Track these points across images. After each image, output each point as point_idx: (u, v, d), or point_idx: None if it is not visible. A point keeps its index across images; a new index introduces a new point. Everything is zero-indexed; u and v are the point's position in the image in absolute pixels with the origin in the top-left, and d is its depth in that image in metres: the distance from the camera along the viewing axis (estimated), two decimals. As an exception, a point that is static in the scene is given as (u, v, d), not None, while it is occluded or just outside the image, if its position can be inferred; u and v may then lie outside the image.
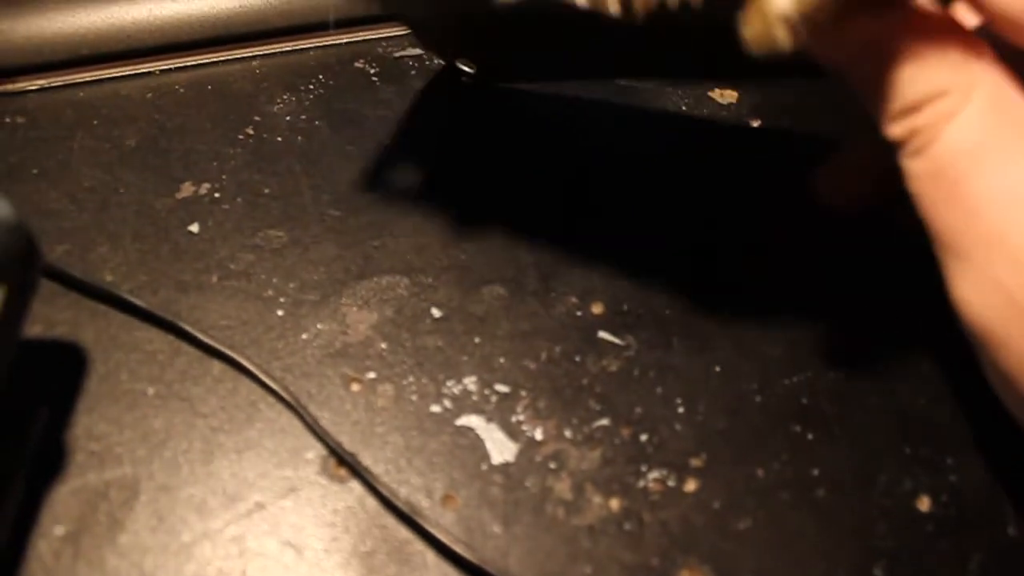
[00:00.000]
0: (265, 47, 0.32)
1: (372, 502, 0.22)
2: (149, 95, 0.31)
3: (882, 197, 0.25)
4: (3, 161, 0.29)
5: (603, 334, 0.25)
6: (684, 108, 0.32)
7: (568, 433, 0.24)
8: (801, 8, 0.17)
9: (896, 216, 0.24)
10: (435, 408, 0.24)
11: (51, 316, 0.25)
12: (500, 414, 0.24)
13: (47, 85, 0.31)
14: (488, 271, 0.27)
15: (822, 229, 0.27)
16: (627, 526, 0.22)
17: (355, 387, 0.24)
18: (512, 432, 0.23)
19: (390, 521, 0.22)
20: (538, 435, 0.23)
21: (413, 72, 0.33)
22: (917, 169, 0.19)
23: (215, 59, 0.32)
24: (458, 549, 0.21)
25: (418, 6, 0.27)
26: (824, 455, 0.23)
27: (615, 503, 0.22)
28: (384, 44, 0.34)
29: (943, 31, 0.18)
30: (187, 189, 0.28)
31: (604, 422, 0.24)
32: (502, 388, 0.24)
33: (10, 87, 0.31)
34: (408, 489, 0.22)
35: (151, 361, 0.24)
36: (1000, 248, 0.18)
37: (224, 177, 0.28)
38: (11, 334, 0.21)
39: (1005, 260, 0.18)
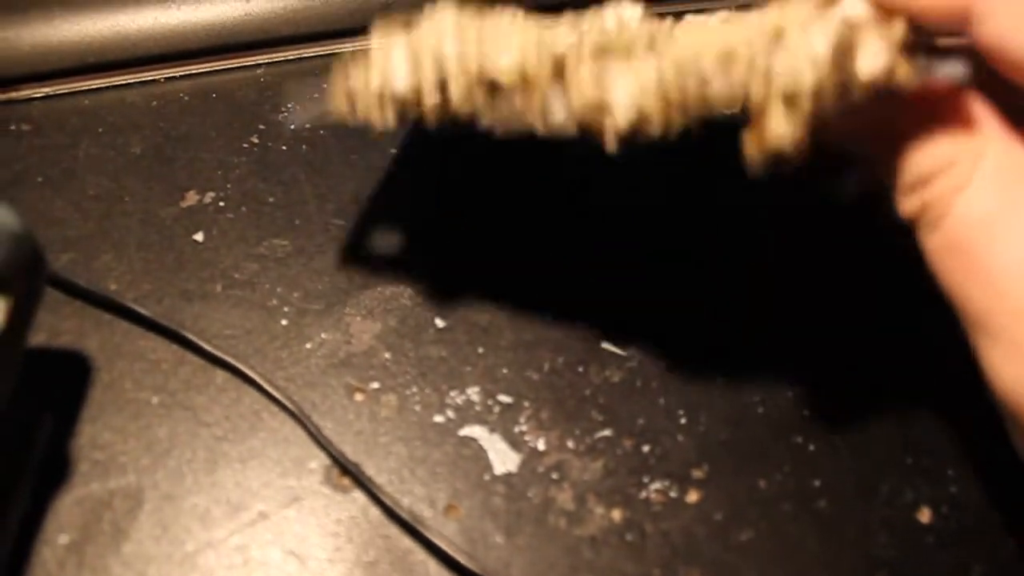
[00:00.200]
0: (270, 55, 0.32)
1: (375, 512, 0.22)
2: (154, 103, 0.31)
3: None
4: (8, 169, 0.29)
5: (606, 345, 0.25)
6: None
7: (571, 444, 0.24)
8: (797, 137, 0.18)
9: (882, 214, 0.23)
10: (438, 418, 0.24)
11: (56, 325, 0.25)
12: (503, 424, 0.24)
13: (52, 93, 0.31)
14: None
15: (826, 238, 0.27)
16: (629, 537, 0.22)
17: (359, 397, 0.24)
18: (515, 442, 0.24)
19: (393, 531, 0.22)
20: (541, 445, 0.24)
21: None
22: (933, 244, 0.18)
23: (220, 67, 0.32)
24: (461, 559, 0.21)
25: None
26: (826, 466, 0.23)
27: (617, 514, 0.23)
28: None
29: (946, 103, 0.18)
30: (192, 197, 0.28)
31: (606, 433, 0.24)
32: (505, 398, 0.24)
33: (15, 95, 0.31)
34: (411, 499, 0.23)
35: (155, 370, 0.24)
36: None
37: (229, 186, 0.29)
38: (16, 343, 0.21)
39: None
